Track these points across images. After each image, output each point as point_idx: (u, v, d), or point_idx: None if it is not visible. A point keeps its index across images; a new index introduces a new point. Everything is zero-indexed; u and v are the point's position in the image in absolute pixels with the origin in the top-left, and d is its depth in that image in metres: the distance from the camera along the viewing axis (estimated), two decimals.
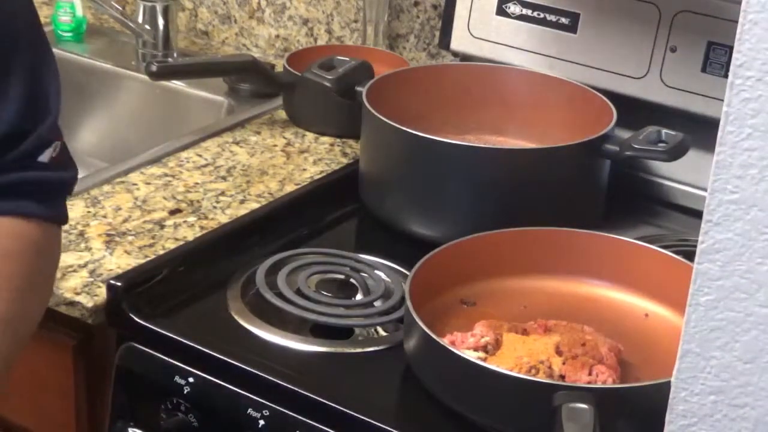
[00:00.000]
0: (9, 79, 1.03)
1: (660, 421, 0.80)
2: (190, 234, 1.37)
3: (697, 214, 0.96)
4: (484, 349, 1.13)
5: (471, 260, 1.25)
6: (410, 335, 1.13)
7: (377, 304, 1.26)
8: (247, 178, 1.52)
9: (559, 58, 1.55)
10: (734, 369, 0.75)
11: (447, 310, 1.22)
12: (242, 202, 1.46)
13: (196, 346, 1.19)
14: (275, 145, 1.62)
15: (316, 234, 1.43)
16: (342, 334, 1.24)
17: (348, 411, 1.10)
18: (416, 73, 1.57)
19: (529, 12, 1.57)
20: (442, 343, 1.09)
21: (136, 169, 1.52)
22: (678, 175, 1.51)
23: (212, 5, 1.98)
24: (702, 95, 1.45)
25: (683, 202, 1.52)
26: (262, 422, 1.14)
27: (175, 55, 1.89)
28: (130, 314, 1.23)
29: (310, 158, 1.59)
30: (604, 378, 1.08)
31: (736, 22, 0.69)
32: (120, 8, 1.91)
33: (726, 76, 0.87)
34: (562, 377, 1.08)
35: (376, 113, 1.39)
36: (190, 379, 1.19)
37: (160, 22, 1.87)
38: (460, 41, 1.63)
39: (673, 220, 1.51)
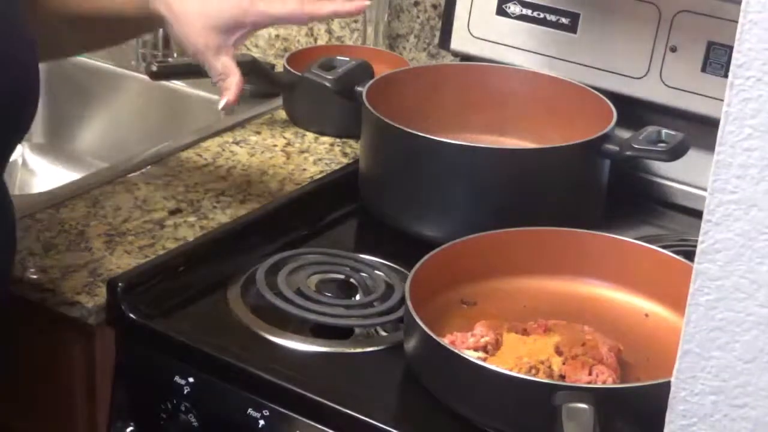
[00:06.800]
0: None
1: (660, 421, 0.80)
2: (190, 234, 1.37)
3: (697, 214, 0.96)
4: (484, 349, 1.13)
5: (471, 260, 1.24)
6: (410, 335, 1.13)
7: (377, 304, 1.26)
8: (247, 178, 1.52)
9: (559, 58, 1.55)
10: (734, 369, 0.75)
11: (447, 310, 1.22)
12: (242, 202, 1.46)
13: (196, 346, 1.19)
14: (275, 145, 1.62)
15: (316, 234, 1.43)
16: (342, 334, 1.24)
17: (348, 411, 1.10)
18: (416, 73, 1.57)
19: (529, 12, 1.57)
20: (442, 343, 1.08)
21: (136, 169, 1.52)
22: (678, 175, 1.51)
23: None
24: (702, 95, 1.45)
25: (683, 202, 1.51)
26: (262, 422, 1.14)
27: (175, 55, 1.89)
28: (130, 314, 1.23)
29: (310, 158, 1.59)
30: (604, 378, 1.08)
31: (736, 22, 0.69)
32: None
33: (726, 76, 0.87)
34: (562, 377, 1.08)
35: (376, 113, 1.39)
36: (190, 379, 1.19)
37: None
38: (460, 41, 1.63)
39: (673, 220, 1.51)
